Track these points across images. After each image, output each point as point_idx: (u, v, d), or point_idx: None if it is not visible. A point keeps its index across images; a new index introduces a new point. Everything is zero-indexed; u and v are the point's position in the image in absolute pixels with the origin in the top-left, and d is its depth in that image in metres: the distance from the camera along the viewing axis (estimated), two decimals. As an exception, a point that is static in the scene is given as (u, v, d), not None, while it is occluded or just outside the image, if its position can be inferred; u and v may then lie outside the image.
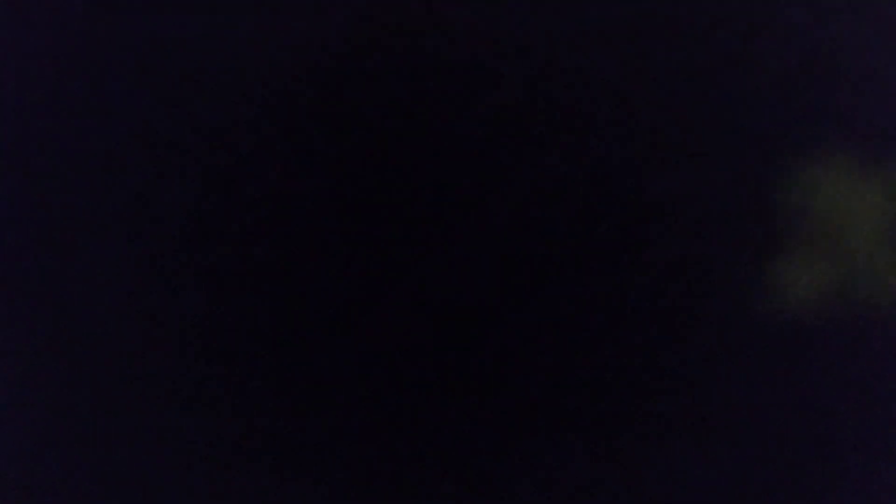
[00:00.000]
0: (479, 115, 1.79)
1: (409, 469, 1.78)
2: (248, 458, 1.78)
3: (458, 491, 1.78)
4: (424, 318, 1.78)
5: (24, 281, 1.79)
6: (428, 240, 1.79)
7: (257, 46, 1.81)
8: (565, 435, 1.78)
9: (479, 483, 1.78)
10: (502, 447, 1.78)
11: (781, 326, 1.79)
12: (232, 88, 1.80)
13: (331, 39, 1.81)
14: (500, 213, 1.79)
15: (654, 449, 1.77)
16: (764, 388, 1.78)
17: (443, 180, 1.79)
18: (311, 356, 1.79)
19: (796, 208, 1.80)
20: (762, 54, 1.80)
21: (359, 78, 1.80)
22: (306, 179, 1.79)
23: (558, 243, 1.79)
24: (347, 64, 1.80)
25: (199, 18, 1.81)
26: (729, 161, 1.80)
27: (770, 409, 1.78)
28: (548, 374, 1.78)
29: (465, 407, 1.78)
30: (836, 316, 1.79)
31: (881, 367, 1.79)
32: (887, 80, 1.81)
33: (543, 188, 1.79)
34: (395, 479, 1.78)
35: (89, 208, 1.80)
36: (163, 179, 1.80)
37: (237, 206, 1.79)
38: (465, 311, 1.79)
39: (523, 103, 1.80)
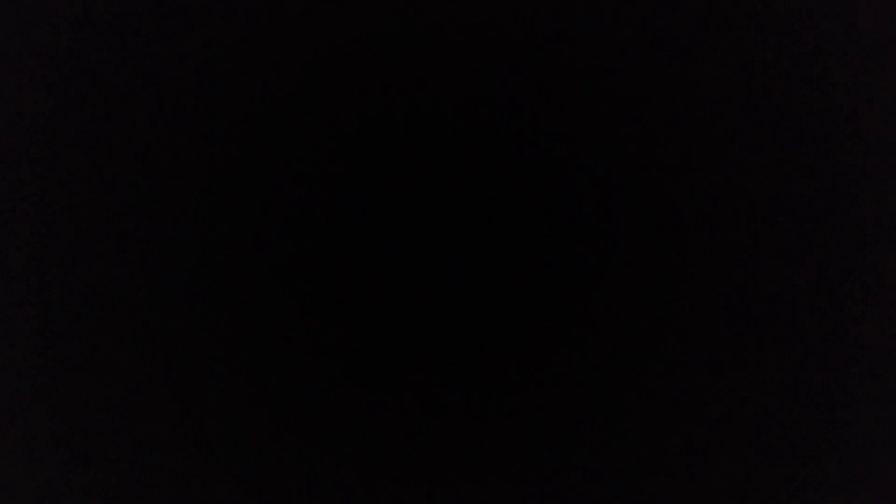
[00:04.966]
0: (479, 115, 1.80)
1: (407, 471, 1.78)
2: (248, 461, 1.78)
3: (455, 492, 1.78)
4: (423, 320, 1.79)
5: (22, 281, 1.80)
6: (433, 242, 1.79)
7: (256, 46, 1.81)
8: (564, 436, 1.78)
9: (478, 484, 1.78)
10: (501, 448, 1.78)
11: (782, 326, 1.79)
12: (230, 88, 1.80)
13: (327, 39, 1.81)
14: (498, 212, 1.79)
15: (654, 449, 1.77)
16: (764, 387, 1.78)
17: (444, 181, 1.79)
18: (310, 357, 1.79)
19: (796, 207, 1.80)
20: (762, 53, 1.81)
21: (355, 77, 1.80)
22: (303, 180, 1.79)
23: (557, 244, 1.79)
24: (345, 64, 1.81)
25: (197, 18, 1.81)
26: (729, 160, 1.80)
27: (769, 410, 1.78)
28: (546, 375, 1.78)
29: (463, 408, 1.78)
30: (837, 315, 1.79)
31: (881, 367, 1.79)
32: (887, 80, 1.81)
33: (542, 189, 1.79)
34: (392, 481, 1.78)
35: (89, 209, 1.80)
36: (161, 180, 1.80)
37: (236, 206, 1.80)
38: (465, 311, 1.79)
39: (522, 102, 1.80)
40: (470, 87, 1.81)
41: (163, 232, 1.79)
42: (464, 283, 1.79)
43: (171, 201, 1.80)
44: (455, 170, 1.80)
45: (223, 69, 1.81)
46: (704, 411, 1.78)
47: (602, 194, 1.79)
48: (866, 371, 1.79)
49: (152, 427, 1.78)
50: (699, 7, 1.80)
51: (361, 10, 1.81)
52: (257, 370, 1.78)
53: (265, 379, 1.78)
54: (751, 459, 1.78)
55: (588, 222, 1.79)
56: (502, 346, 1.79)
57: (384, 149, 1.80)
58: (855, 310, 1.79)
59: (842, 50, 1.81)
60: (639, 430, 1.78)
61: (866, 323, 1.79)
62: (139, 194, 1.80)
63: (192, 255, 1.79)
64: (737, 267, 1.79)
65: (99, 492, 1.78)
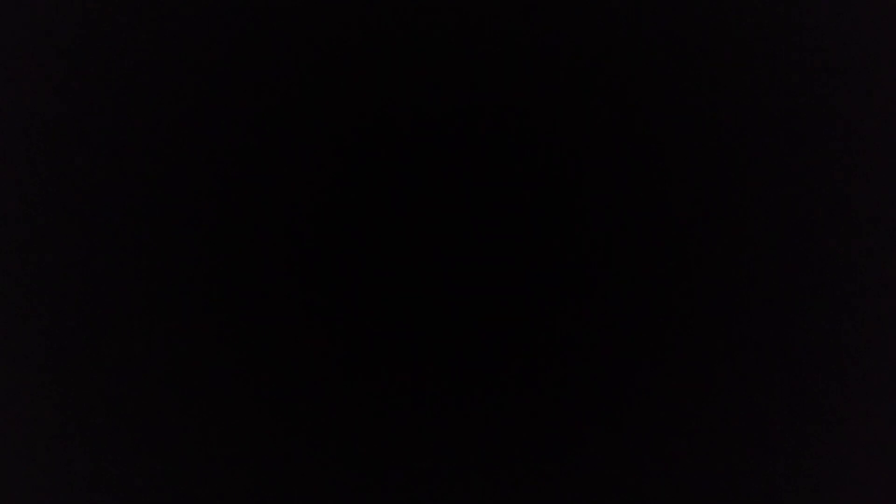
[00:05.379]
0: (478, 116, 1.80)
1: (407, 471, 1.78)
2: (248, 461, 1.78)
3: (454, 492, 1.78)
4: (422, 320, 1.79)
5: (24, 281, 1.80)
6: (433, 243, 1.79)
7: (256, 46, 1.81)
8: (564, 436, 1.78)
9: (478, 484, 1.78)
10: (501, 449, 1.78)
11: (781, 326, 1.79)
12: (230, 88, 1.81)
13: (326, 39, 1.81)
14: (497, 213, 1.79)
15: (654, 449, 1.77)
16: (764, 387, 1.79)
17: (446, 182, 1.79)
18: (309, 358, 1.79)
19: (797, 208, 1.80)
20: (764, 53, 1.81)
21: (353, 77, 1.80)
22: (303, 180, 1.80)
23: (556, 244, 1.79)
24: (343, 64, 1.81)
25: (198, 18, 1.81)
26: (729, 160, 1.80)
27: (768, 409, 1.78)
28: (545, 376, 1.78)
29: (463, 408, 1.78)
30: (838, 314, 1.79)
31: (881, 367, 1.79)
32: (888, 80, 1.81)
33: (542, 189, 1.79)
34: (392, 482, 1.78)
35: (88, 209, 1.80)
36: (160, 179, 1.80)
37: (235, 205, 1.80)
38: (465, 312, 1.79)
39: (522, 103, 1.80)
40: (469, 87, 1.81)
41: (162, 231, 1.80)
42: (463, 282, 1.79)
43: (171, 201, 1.80)
44: (454, 169, 1.80)
45: (223, 69, 1.81)
46: (703, 412, 1.78)
47: (601, 194, 1.80)
48: (866, 371, 1.79)
49: (152, 427, 1.78)
50: (699, 7, 1.80)
51: (361, 10, 1.81)
52: (257, 370, 1.79)
53: (264, 379, 1.79)
54: (750, 459, 1.78)
55: (587, 222, 1.79)
56: (501, 345, 1.79)
57: (383, 149, 1.80)
58: (855, 310, 1.79)
59: (842, 50, 1.81)
60: (638, 431, 1.78)
61: (866, 323, 1.79)
62: (139, 194, 1.80)
63: (192, 254, 1.79)
64: (736, 267, 1.80)
65: (99, 491, 1.79)
